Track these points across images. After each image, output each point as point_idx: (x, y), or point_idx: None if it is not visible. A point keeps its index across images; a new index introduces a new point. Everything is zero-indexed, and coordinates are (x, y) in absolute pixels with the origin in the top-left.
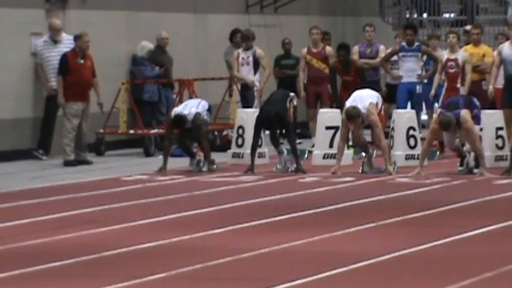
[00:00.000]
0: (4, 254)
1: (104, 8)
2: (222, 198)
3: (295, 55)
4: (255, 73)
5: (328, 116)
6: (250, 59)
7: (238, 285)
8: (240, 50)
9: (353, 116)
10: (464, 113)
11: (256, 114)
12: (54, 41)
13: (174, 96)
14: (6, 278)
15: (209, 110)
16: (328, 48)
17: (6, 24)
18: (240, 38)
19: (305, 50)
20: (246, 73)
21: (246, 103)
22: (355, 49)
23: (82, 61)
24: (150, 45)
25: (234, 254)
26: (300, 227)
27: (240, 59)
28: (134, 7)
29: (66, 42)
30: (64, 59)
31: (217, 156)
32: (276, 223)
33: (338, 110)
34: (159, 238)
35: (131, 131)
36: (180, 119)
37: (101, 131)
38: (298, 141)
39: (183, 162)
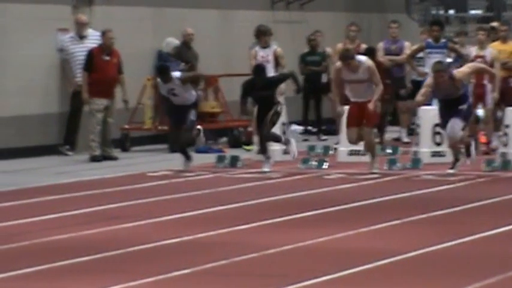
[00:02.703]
0: (30, 249)
1: (129, 4)
2: (246, 194)
3: (320, 51)
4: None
5: None
6: (270, 57)
7: (262, 281)
8: (257, 48)
9: (347, 56)
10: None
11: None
12: (80, 36)
13: (199, 92)
14: (33, 273)
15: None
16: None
17: (32, 20)
18: (256, 34)
19: (340, 46)
20: (270, 70)
21: None
22: (380, 46)
23: (107, 58)
24: (175, 42)
25: (258, 250)
26: (324, 224)
27: (260, 58)
28: (160, 3)
29: (92, 38)
30: (89, 55)
31: (241, 153)
32: (300, 220)
33: None
34: (184, 234)
35: (156, 127)
36: (164, 66)
37: (126, 126)
38: (323, 137)
39: (209, 158)
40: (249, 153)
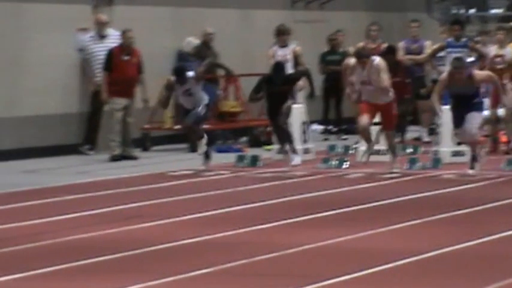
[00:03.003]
0: (50, 248)
1: (150, 4)
2: (266, 194)
3: (340, 51)
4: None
5: None
6: (289, 56)
7: (283, 281)
8: (275, 47)
9: (363, 55)
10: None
11: (302, 110)
12: (101, 36)
13: (219, 92)
14: (53, 272)
15: (208, 105)
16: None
17: (53, 20)
18: (275, 33)
19: (362, 45)
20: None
21: None
22: (400, 45)
23: (127, 57)
24: (195, 41)
25: (279, 249)
26: (344, 224)
27: (278, 57)
28: (180, 3)
29: (113, 38)
30: (109, 55)
31: (261, 152)
32: (320, 219)
33: None
34: (203, 234)
35: (176, 127)
36: (181, 68)
37: (147, 126)
38: (344, 137)
39: (228, 158)
40: (269, 153)
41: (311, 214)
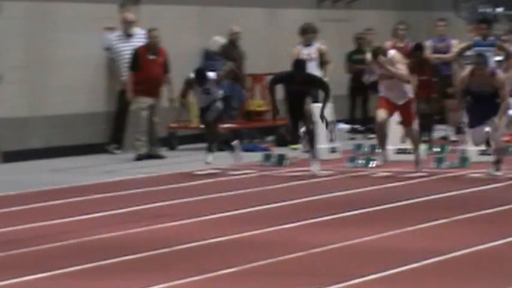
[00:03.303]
0: (77, 248)
1: (176, 3)
2: (292, 193)
3: (367, 50)
4: (321, 68)
5: None
6: (315, 55)
7: (308, 281)
8: (299, 46)
9: (379, 54)
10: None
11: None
12: (127, 35)
13: (244, 91)
14: (79, 271)
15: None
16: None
17: (79, 19)
18: (300, 32)
19: (390, 44)
20: (311, 70)
21: None
22: (427, 44)
23: (153, 57)
24: (222, 40)
25: (305, 249)
26: (371, 223)
27: (304, 56)
28: (206, 2)
29: (139, 37)
30: (135, 54)
31: (287, 151)
32: (347, 218)
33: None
34: (229, 233)
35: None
36: (202, 70)
37: (173, 125)
38: (370, 136)
39: (255, 157)
40: (295, 152)
41: (337, 213)
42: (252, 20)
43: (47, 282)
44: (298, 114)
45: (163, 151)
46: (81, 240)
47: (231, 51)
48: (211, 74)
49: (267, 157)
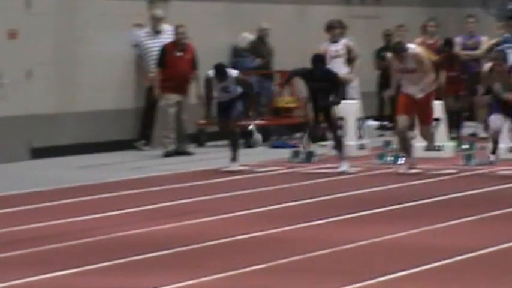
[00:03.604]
0: (105, 244)
1: (205, 0)
2: (321, 189)
3: None
4: (349, 65)
5: None
6: (342, 51)
7: (337, 278)
8: (326, 43)
9: (399, 49)
10: None
11: (357, 106)
12: (156, 32)
13: (273, 87)
14: (107, 267)
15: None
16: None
17: (108, 15)
18: (325, 29)
19: (419, 41)
20: (338, 66)
21: None
22: (457, 41)
23: (180, 54)
24: (250, 37)
25: (333, 246)
26: (400, 220)
27: (332, 52)
28: None
29: (168, 34)
30: (162, 51)
31: (316, 148)
32: (375, 215)
33: (440, 102)
34: (258, 229)
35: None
36: (222, 66)
37: (202, 122)
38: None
39: (283, 153)
40: (324, 149)
41: (365, 210)
42: (281, 17)
43: (76, 279)
44: (320, 111)
45: (191, 148)
46: (109, 237)
47: (259, 47)
48: (231, 72)
49: (295, 154)
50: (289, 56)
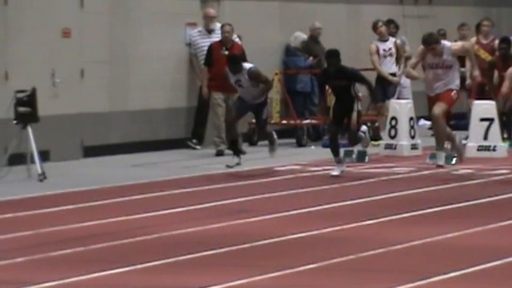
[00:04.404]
0: (158, 242)
1: None
2: (373, 189)
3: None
4: (397, 63)
5: (483, 107)
6: (393, 50)
7: (390, 277)
8: (377, 42)
9: (431, 41)
10: None
11: (409, 105)
12: (208, 31)
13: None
14: (159, 266)
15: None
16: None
17: (161, 14)
18: (372, 28)
19: (474, 40)
20: (389, 65)
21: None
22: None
23: (226, 52)
24: (303, 36)
25: (386, 245)
26: (452, 220)
27: (382, 51)
28: None
29: (220, 32)
30: (209, 50)
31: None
32: (427, 215)
33: (493, 102)
34: (310, 228)
35: (284, 121)
36: (235, 56)
37: (254, 121)
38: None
39: None
40: (376, 148)
41: (419, 210)
42: (334, 16)
43: (127, 277)
44: (340, 111)
45: (244, 147)
46: (160, 236)
47: (312, 46)
48: (246, 65)
49: (348, 153)
50: (341, 55)
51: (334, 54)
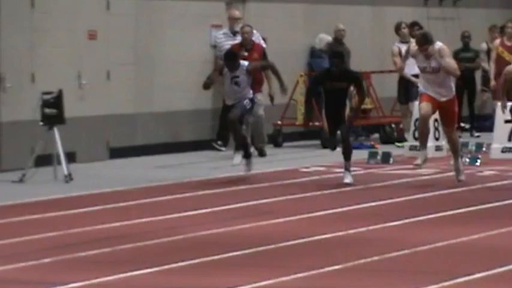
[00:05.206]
0: (184, 243)
1: (282, 1)
2: (398, 191)
3: (474, 48)
4: None
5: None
6: None
7: (415, 278)
8: (399, 44)
9: (425, 41)
10: None
11: None
12: (233, 32)
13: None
14: (185, 267)
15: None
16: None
17: (187, 16)
18: (394, 29)
19: (498, 42)
20: (412, 67)
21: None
22: None
23: (246, 54)
24: (328, 38)
25: (411, 246)
26: (477, 221)
27: (404, 53)
28: (312, 0)
29: None
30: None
31: (392, 149)
32: (453, 216)
33: None
34: (335, 230)
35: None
36: (232, 52)
37: (279, 122)
38: (476, 134)
39: (360, 154)
40: (400, 150)
41: (443, 211)
42: (358, 18)
43: (154, 278)
44: (336, 118)
45: (268, 148)
46: (187, 237)
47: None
48: (243, 62)
49: (373, 155)
50: (366, 57)
51: (338, 55)
